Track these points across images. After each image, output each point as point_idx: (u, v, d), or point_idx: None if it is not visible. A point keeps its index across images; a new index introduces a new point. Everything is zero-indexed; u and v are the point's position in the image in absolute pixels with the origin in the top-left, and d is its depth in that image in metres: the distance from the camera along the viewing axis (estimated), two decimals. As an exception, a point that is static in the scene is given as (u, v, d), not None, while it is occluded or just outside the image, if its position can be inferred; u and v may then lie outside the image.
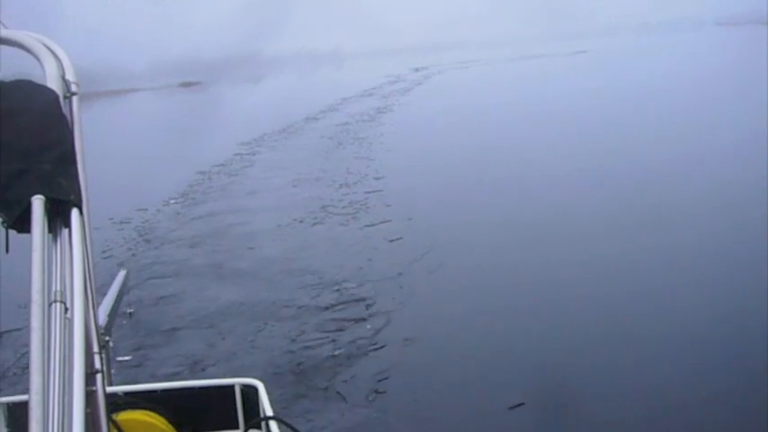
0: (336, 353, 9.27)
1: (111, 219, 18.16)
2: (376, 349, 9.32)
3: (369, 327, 10.06)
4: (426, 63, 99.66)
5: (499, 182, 19.20)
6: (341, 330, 10.02)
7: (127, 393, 3.64)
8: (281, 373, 8.85)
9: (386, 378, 8.43)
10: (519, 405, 7.50)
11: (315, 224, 16.41)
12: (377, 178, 20.96)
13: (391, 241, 14.35)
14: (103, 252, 15.22)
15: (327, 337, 9.84)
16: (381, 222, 15.88)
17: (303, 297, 11.48)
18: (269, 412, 3.59)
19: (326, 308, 10.96)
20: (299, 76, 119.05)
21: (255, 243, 15.38)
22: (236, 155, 28.93)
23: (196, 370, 9.18)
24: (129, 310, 6.08)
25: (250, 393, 3.77)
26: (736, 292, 10.18)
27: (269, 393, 3.70)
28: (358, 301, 11.19)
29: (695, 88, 40.72)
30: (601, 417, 7.28)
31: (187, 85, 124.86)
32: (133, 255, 15.30)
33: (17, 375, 9.24)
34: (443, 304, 10.90)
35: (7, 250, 1.93)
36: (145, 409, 3.50)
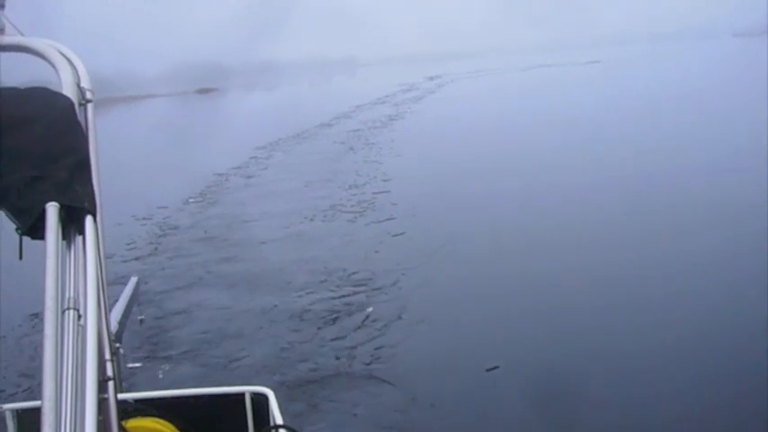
0: (342, 324, 10.44)
1: (134, 216, 19.33)
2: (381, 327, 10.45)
3: (370, 305, 11.19)
4: (440, 71, 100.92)
5: (503, 186, 20.16)
6: (346, 305, 11.20)
7: (137, 400, 3.67)
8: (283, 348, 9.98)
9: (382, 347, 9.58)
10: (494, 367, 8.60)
11: (325, 221, 17.53)
12: (384, 180, 22.09)
13: (394, 236, 15.45)
14: (128, 245, 16.49)
15: (332, 313, 10.99)
16: (387, 219, 16.97)
17: (312, 281, 12.64)
18: (279, 421, 3.63)
19: (334, 291, 12.10)
20: (314, 84, 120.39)
21: (268, 237, 16.50)
22: (252, 158, 30.13)
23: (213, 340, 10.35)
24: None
25: (260, 401, 3.79)
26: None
27: (279, 401, 3.71)
28: (362, 284, 12.32)
29: (709, 98, 41.27)
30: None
31: (204, 91, 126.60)
32: (155, 248, 16.44)
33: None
34: (439, 290, 11.98)
35: (21, 257, 1.95)
36: (155, 416, 3.51)
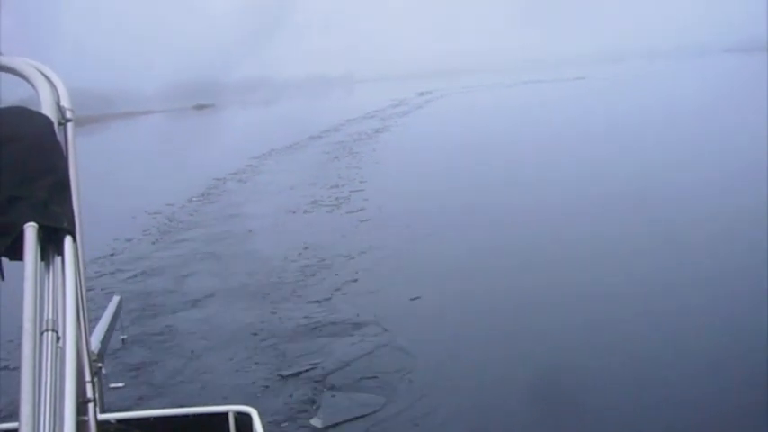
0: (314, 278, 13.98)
1: (145, 211, 22.89)
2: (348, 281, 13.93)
3: (337, 269, 14.65)
4: (431, 88, 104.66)
5: (465, 185, 23.51)
6: (321, 268, 14.73)
7: (119, 421, 3.68)
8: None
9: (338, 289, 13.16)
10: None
11: (305, 213, 21.03)
12: (361, 181, 25.70)
13: (362, 221, 19.03)
14: (143, 232, 20.05)
15: (308, 274, 14.48)
16: (358, 210, 20.48)
17: (291, 253, 16.10)
18: None
19: (309, 259, 15.56)
20: (309, 100, 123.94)
21: (252, 227, 19.99)
22: (247, 166, 33.69)
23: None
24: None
25: (244, 421, 3.78)
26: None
27: (262, 420, 3.76)
28: (336, 255, 15.76)
29: (691, 114, 43.04)
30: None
31: (200, 107, 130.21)
32: (165, 232, 19.95)
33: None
34: (393, 256, 15.43)
35: (2, 277, 1.94)
36: None
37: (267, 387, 9.33)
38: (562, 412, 8.28)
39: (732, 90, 61.93)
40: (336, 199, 22.62)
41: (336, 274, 14.16)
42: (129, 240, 19.01)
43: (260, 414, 3.74)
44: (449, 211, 19.95)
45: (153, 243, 18.95)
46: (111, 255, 17.57)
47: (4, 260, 1.88)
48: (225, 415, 3.76)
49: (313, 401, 8.83)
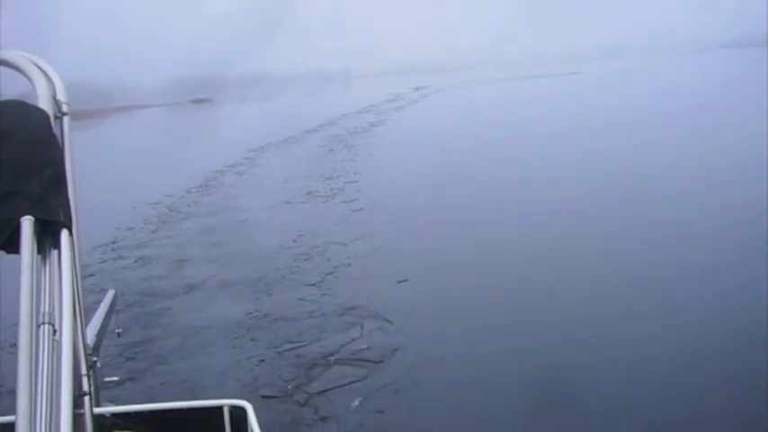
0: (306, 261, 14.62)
1: (146, 201, 23.48)
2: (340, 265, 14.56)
3: (329, 255, 15.28)
4: (428, 83, 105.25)
5: (455, 176, 24.12)
6: (315, 255, 15.37)
7: (114, 414, 3.69)
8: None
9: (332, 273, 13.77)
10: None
11: (301, 203, 21.66)
12: (355, 173, 26.37)
13: (355, 211, 19.70)
14: (144, 221, 20.63)
15: (302, 259, 15.11)
16: (352, 200, 21.13)
17: (286, 240, 16.74)
18: None
19: (303, 246, 16.19)
20: (307, 95, 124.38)
21: (249, 216, 20.60)
22: (245, 158, 34.31)
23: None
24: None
25: (239, 414, 3.80)
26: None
27: (257, 414, 3.75)
28: (329, 243, 16.39)
29: (680, 107, 43.87)
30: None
31: (198, 101, 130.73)
32: (164, 222, 20.57)
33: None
34: (384, 244, 16.05)
35: None
36: (132, 430, 3.57)
37: (263, 360, 9.96)
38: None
39: (728, 84, 62.38)
40: (331, 190, 23.26)
41: (328, 260, 14.78)
42: (130, 229, 19.59)
43: (254, 408, 3.75)
44: (437, 201, 20.49)
45: (153, 232, 19.54)
46: (113, 242, 18.13)
47: (1, 253, 1.88)
48: (220, 409, 3.79)
49: (306, 374, 9.44)
